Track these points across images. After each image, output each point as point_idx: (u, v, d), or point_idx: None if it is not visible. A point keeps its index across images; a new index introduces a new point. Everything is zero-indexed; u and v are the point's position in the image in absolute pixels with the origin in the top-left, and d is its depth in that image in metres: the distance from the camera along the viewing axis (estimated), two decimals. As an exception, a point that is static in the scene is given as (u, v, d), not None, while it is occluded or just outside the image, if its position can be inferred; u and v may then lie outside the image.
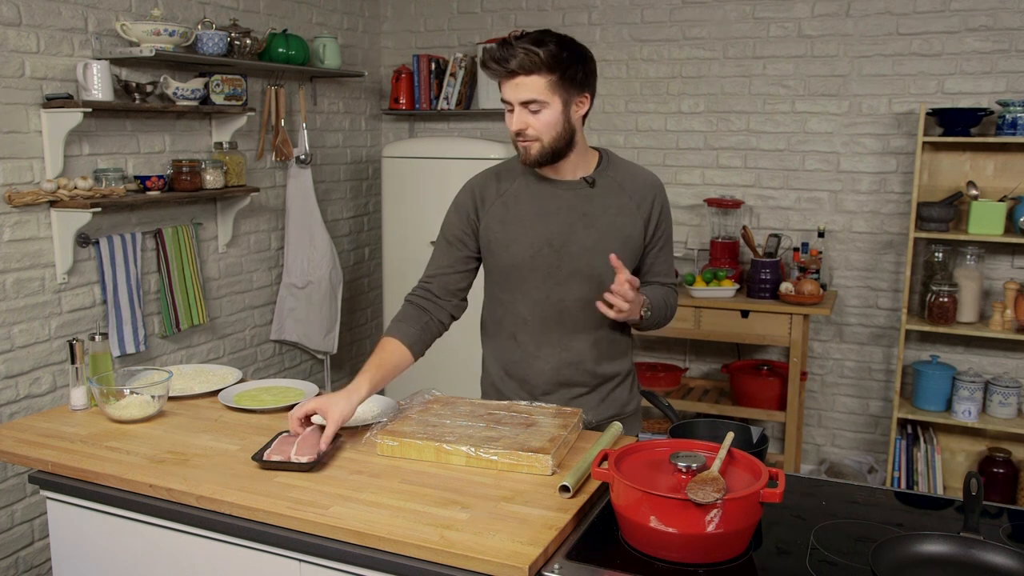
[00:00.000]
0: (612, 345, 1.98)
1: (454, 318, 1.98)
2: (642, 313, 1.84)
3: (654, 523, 1.30)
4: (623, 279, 1.72)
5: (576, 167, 1.88)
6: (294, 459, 1.62)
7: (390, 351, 1.85)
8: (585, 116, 1.85)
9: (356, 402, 1.73)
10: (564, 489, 1.50)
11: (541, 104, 1.75)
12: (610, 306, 1.74)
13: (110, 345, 2.96)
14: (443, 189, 3.88)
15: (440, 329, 1.95)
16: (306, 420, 1.72)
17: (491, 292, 2.00)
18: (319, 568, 1.47)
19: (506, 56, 1.72)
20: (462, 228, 1.94)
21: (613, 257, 1.73)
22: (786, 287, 3.52)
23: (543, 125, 1.77)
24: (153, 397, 1.91)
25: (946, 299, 3.41)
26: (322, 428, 1.69)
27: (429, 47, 4.46)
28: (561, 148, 1.81)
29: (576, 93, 1.79)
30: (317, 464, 1.63)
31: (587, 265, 1.87)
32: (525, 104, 1.76)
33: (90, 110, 2.77)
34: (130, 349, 3.06)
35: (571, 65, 1.75)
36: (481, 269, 2.01)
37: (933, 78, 3.56)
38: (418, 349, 1.89)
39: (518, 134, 1.80)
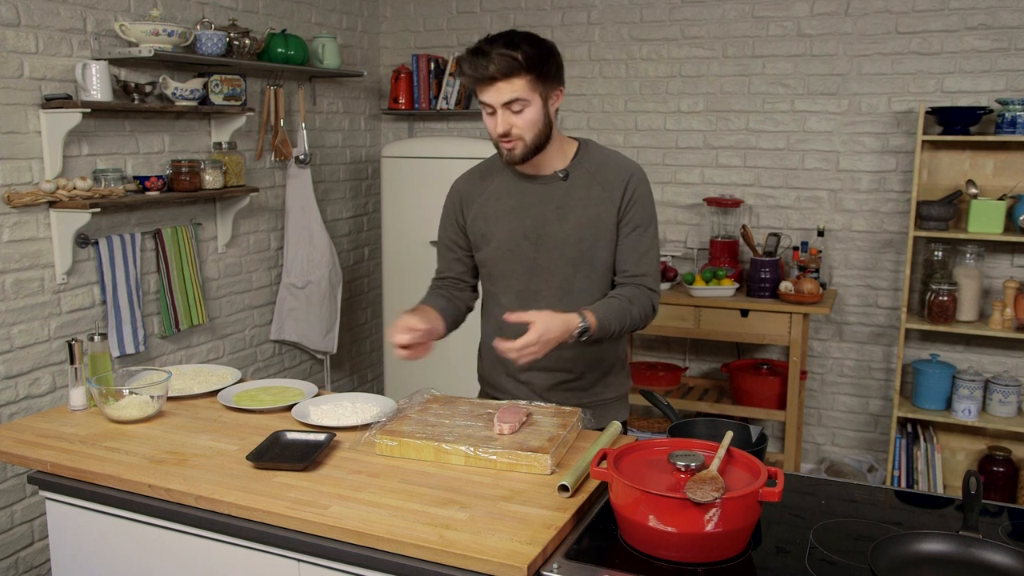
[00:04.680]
0: None
1: (470, 307, 2.13)
2: (573, 336, 1.77)
3: (653, 522, 1.30)
4: (513, 345, 1.70)
5: (553, 160, 1.93)
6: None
7: (426, 310, 1.96)
8: (557, 108, 1.91)
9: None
10: (563, 488, 1.50)
11: (523, 103, 1.80)
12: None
13: (109, 345, 2.97)
14: (443, 189, 3.83)
15: (465, 310, 2.11)
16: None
17: (483, 282, 2.11)
18: (318, 568, 1.47)
19: (484, 63, 1.76)
20: (452, 230, 2.06)
21: (507, 315, 1.77)
22: (786, 286, 3.51)
23: (526, 123, 1.82)
24: (152, 397, 1.91)
25: (946, 298, 3.40)
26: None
27: (428, 47, 4.46)
28: (542, 143, 1.87)
29: (552, 87, 1.85)
30: (312, 463, 1.63)
31: (562, 256, 1.93)
32: (507, 105, 1.80)
33: (89, 110, 2.77)
34: (129, 349, 3.06)
35: (544, 61, 1.81)
36: None
37: (932, 77, 3.56)
38: (449, 317, 2.00)
39: (503, 136, 1.84)
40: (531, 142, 1.85)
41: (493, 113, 1.83)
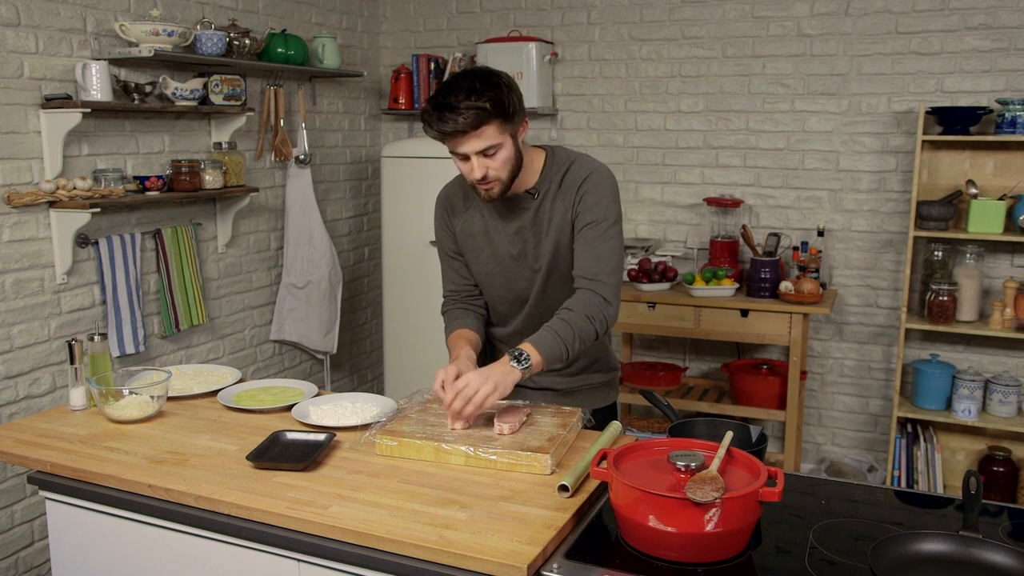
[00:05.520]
0: None
1: (487, 308, 2.14)
2: (513, 364, 1.73)
3: (653, 522, 1.30)
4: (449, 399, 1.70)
5: (524, 179, 1.93)
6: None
7: (466, 334, 2.00)
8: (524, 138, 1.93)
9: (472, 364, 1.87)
10: (563, 488, 1.50)
11: (497, 147, 1.81)
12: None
13: (109, 345, 2.97)
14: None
15: (486, 318, 2.13)
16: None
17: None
18: (318, 568, 1.47)
19: (452, 118, 1.74)
20: (449, 239, 2.09)
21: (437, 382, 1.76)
22: (786, 286, 3.51)
23: (501, 164, 1.83)
24: (152, 397, 1.91)
25: (946, 298, 3.40)
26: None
27: (428, 47, 4.46)
28: (516, 175, 1.88)
29: (519, 123, 1.85)
30: (311, 463, 1.63)
31: (542, 267, 1.97)
32: (481, 152, 1.80)
33: (89, 110, 2.77)
34: (129, 349, 3.06)
35: (509, 101, 1.79)
36: None
37: (932, 77, 3.56)
38: (481, 332, 2.06)
39: (480, 180, 1.83)
40: (507, 179, 1.86)
41: (466, 159, 1.82)
